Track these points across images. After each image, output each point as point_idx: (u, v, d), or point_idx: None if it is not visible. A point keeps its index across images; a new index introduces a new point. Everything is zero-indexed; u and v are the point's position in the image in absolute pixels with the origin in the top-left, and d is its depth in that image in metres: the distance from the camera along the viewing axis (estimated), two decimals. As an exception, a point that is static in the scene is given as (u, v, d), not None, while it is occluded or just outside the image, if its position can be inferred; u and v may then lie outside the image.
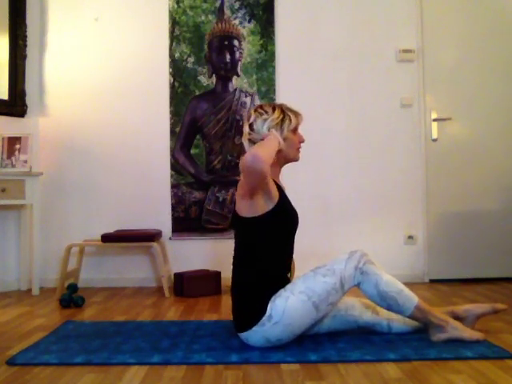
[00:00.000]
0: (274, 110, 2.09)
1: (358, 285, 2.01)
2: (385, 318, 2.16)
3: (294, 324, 1.96)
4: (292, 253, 2.18)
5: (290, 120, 2.10)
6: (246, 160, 1.83)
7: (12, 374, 1.79)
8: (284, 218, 2.06)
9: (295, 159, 2.20)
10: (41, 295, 3.31)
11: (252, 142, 2.09)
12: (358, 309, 2.17)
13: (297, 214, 2.17)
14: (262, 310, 1.95)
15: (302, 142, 2.18)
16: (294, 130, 2.13)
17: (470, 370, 1.74)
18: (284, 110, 2.11)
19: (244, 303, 2.02)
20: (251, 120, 2.11)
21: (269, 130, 2.05)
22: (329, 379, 1.69)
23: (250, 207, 2.00)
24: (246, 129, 2.13)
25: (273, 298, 1.97)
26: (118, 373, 1.78)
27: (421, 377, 1.70)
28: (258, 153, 1.84)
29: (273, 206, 2.00)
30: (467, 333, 2.02)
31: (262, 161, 1.82)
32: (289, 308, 1.94)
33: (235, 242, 2.12)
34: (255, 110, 2.12)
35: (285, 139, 2.08)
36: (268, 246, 2.04)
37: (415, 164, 3.65)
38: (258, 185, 1.93)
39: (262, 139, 2.04)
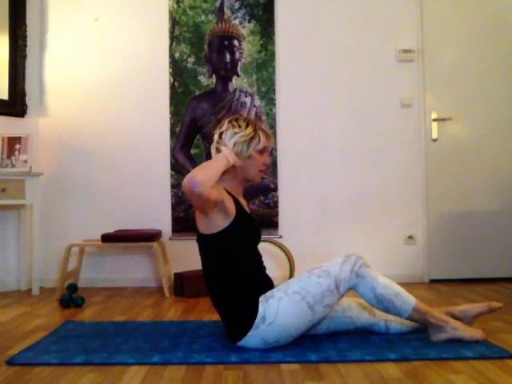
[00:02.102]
0: (247, 126, 2.07)
1: (353, 288, 2.00)
2: (382, 318, 2.17)
3: (290, 325, 1.95)
4: (261, 255, 2.17)
5: (259, 140, 2.07)
6: (183, 183, 1.83)
7: (12, 374, 1.79)
8: (242, 234, 2.03)
9: (254, 180, 2.15)
10: (41, 295, 3.31)
11: (219, 150, 2.07)
12: (355, 310, 2.18)
13: (257, 228, 2.16)
14: (253, 313, 1.95)
15: (266, 165, 2.14)
16: (261, 152, 2.09)
17: (470, 370, 1.74)
18: (256, 129, 2.08)
19: (231, 313, 2.01)
20: (222, 129, 2.09)
21: (235, 144, 2.03)
22: (329, 379, 1.69)
23: (208, 224, 1.99)
24: (216, 136, 2.11)
25: (263, 299, 1.97)
26: (118, 373, 1.78)
27: (421, 377, 1.70)
28: (196, 176, 1.81)
29: (229, 223, 1.98)
30: (467, 332, 2.02)
31: (199, 184, 1.80)
32: (282, 308, 1.94)
33: (200, 257, 2.11)
34: (229, 121, 2.10)
35: (249, 157, 2.06)
36: (232, 260, 2.01)
37: (415, 164, 3.65)
38: (202, 206, 1.91)
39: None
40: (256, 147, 2.06)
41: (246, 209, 2.15)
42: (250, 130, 2.06)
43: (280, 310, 1.94)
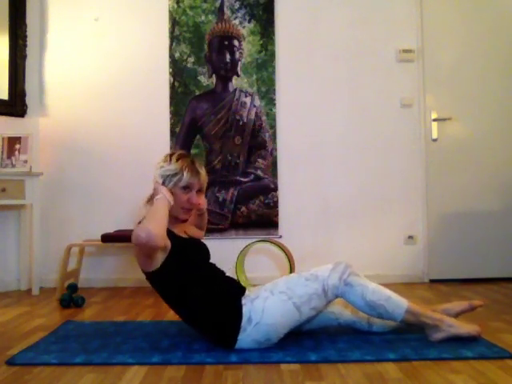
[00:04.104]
0: (177, 161, 2.05)
1: (341, 296, 2.00)
2: (365, 317, 2.16)
3: (278, 324, 1.96)
4: (214, 264, 2.16)
5: (181, 178, 2.02)
6: (140, 237, 1.78)
7: (12, 373, 1.79)
8: (185, 258, 2.00)
9: (178, 217, 2.08)
10: (41, 295, 3.31)
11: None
12: (337, 306, 2.19)
13: (200, 248, 2.14)
14: (236, 318, 1.95)
15: (192, 204, 2.07)
16: (185, 189, 2.04)
17: (470, 370, 1.74)
18: (184, 166, 2.04)
19: (214, 327, 2.00)
20: (160, 160, 2.10)
21: (161, 177, 2.03)
22: (329, 379, 1.69)
23: (149, 262, 1.98)
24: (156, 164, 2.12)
25: (248, 301, 1.97)
26: (118, 373, 1.78)
27: (421, 377, 1.70)
28: (152, 229, 1.78)
29: (167, 255, 1.97)
30: (464, 328, 2.01)
31: (157, 237, 1.79)
32: (268, 307, 1.95)
33: (158, 292, 2.09)
34: (167, 154, 2.11)
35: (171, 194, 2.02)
36: (188, 282, 1.99)
37: (415, 164, 3.65)
38: (152, 253, 1.91)
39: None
40: (177, 184, 2.03)
41: (183, 235, 2.13)
42: (176, 165, 2.04)
43: (266, 310, 1.94)
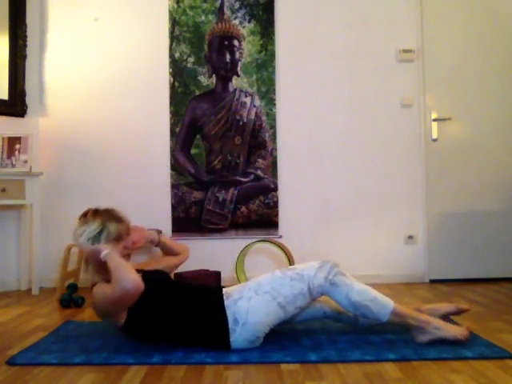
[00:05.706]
0: (94, 220, 2.07)
1: (326, 294, 2.00)
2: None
3: (264, 322, 1.96)
4: (177, 281, 2.16)
5: (108, 232, 2.06)
6: (130, 289, 1.82)
7: (12, 374, 1.79)
8: (148, 295, 1.95)
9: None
10: (41, 295, 3.31)
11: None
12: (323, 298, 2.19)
13: (155, 276, 2.12)
14: (223, 322, 1.94)
15: (129, 248, 2.12)
16: (118, 239, 2.08)
17: (470, 370, 1.74)
18: (104, 221, 2.07)
19: (204, 336, 2.00)
20: (76, 226, 2.11)
21: (88, 239, 2.04)
22: (329, 379, 1.69)
23: (117, 316, 1.98)
24: (74, 232, 2.11)
25: (231, 303, 1.97)
26: (118, 373, 1.78)
27: (421, 377, 1.70)
28: (133, 276, 1.84)
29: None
30: (451, 331, 1.97)
31: (139, 281, 1.85)
32: (252, 308, 1.95)
33: (137, 336, 2.09)
34: (80, 218, 2.11)
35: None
36: (164, 315, 1.99)
37: (415, 164, 3.65)
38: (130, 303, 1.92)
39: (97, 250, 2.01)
40: (108, 238, 2.05)
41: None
42: (96, 224, 2.06)
43: (250, 310, 1.95)
